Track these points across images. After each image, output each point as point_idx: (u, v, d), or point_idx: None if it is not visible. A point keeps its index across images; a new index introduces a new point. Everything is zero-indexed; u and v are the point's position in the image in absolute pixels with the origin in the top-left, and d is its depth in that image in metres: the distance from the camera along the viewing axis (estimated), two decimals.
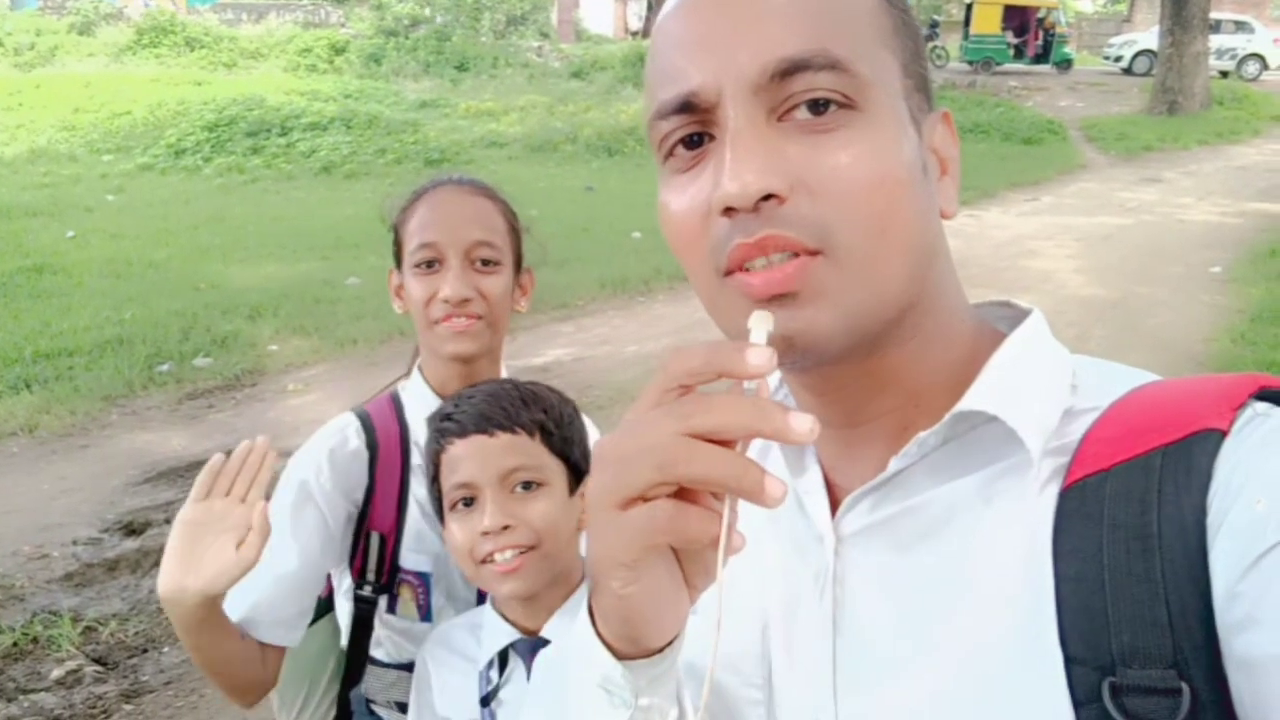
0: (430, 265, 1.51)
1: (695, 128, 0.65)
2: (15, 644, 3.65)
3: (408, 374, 1.67)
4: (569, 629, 1.31)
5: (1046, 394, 0.68)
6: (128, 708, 3.34)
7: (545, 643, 1.35)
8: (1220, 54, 24.54)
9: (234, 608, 1.40)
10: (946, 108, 0.73)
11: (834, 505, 0.75)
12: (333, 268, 9.37)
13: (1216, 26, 23.24)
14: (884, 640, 0.70)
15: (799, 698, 0.75)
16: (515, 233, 1.60)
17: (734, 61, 0.62)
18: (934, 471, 0.69)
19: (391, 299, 1.62)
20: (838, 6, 0.63)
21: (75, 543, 4.42)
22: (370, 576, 1.57)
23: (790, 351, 0.65)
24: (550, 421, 1.38)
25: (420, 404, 1.57)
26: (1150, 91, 21.31)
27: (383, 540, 1.56)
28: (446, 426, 1.36)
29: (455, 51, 23.24)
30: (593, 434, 1.75)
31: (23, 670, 3.53)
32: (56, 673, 3.48)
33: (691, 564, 0.61)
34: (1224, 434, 0.59)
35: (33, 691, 3.40)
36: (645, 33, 29.01)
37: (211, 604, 1.30)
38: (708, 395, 0.55)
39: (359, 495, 1.56)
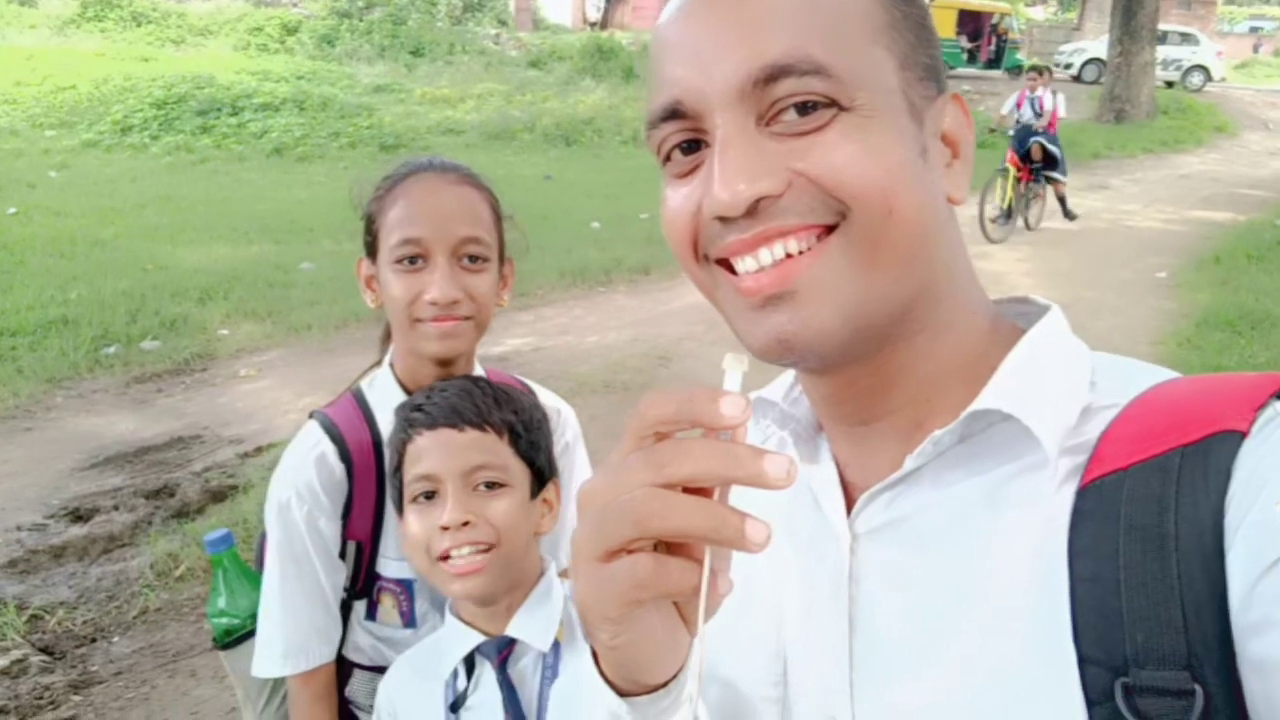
0: (413, 262, 1.42)
1: (689, 134, 0.66)
2: None
3: (378, 363, 1.61)
4: (532, 625, 1.30)
5: (1064, 392, 0.67)
6: (76, 698, 3.25)
7: (511, 642, 1.33)
8: (1166, 65, 25.15)
9: (271, 660, 1.51)
10: (957, 90, 0.72)
11: (849, 503, 0.75)
12: (285, 252, 9.21)
13: (1163, 38, 23.80)
14: (900, 638, 0.70)
15: (815, 695, 0.75)
16: (500, 222, 1.53)
17: (719, 69, 0.63)
18: (949, 469, 0.69)
19: (361, 290, 1.54)
20: (824, 10, 0.63)
21: (19, 528, 4.29)
22: (346, 583, 1.55)
23: (788, 353, 0.65)
24: (520, 424, 1.35)
25: (389, 406, 1.49)
26: (1099, 99, 21.76)
27: (359, 548, 1.53)
28: (415, 417, 1.33)
29: (410, 36, 22.94)
30: (572, 423, 1.72)
31: None
32: (1, 662, 3.38)
33: (687, 605, 0.60)
34: (1244, 435, 0.58)
35: None
36: (604, 24, 28.88)
37: None
38: (682, 443, 0.54)
39: (341, 508, 1.53)
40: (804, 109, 0.62)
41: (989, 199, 10.88)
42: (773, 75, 0.61)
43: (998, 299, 0.78)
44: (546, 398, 1.68)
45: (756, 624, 0.79)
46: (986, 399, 0.66)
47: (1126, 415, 0.64)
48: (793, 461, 0.52)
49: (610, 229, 10.61)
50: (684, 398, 0.54)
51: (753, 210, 0.62)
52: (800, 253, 0.63)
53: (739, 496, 0.55)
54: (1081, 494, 0.62)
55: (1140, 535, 0.58)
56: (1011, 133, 11.38)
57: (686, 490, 0.54)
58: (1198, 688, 0.55)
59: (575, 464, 1.70)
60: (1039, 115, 11.25)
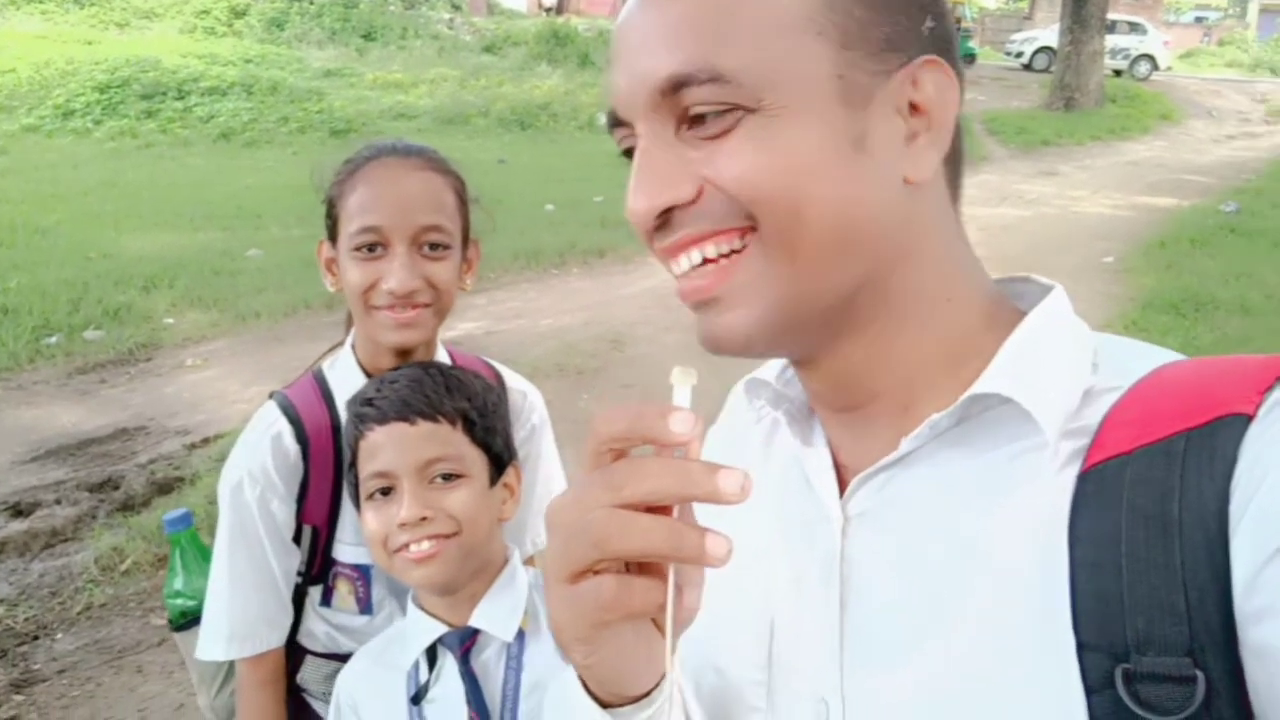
0: (372, 249, 1.39)
1: (634, 139, 0.67)
2: None
3: (341, 343, 1.58)
4: (495, 615, 1.28)
5: (1066, 374, 0.66)
6: (18, 698, 3.17)
7: (475, 632, 1.32)
8: (1114, 54, 25.51)
9: (216, 643, 1.47)
10: (932, 55, 0.65)
11: (842, 485, 0.74)
12: (233, 238, 9.05)
13: (1112, 27, 24.13)
14: (893, 621, 0.69)
15: (804, 677, 0.73)
16: (464, 205, 1.49)
17: (636, 79, 0.64)
18: (945, 452, 0.68)
19: (321, 273, 1.51)
20: (739, 9, 0.61)
21: None
22: (300, 568, 1.51)
23: (721, 351, 0.67)
24: (473, 411, 1.33)
25: (350, 388, 1.46)
26: (1049, 87, 22.04)
27: (315, 533, 1.49)
28: (366, 412, 1.30)
29: (362, 20, 22.64)
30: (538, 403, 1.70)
31: None
32: None
33: (661, 617, 0.59)
34: (1250, 418, 0.57)
35: None
36: (559, 10, 28.69)
37: None
38: (636, 461, 0.55)
39: (296, 491, 1.49)
40: (716, 113, 0.62)
41: None
42: (674, 85, 0.62)
43: (999, 279, 0.76)
44: (513, 380, 1.67)
45: (746, 608, 0.78)
46: (986, 382, 0.64)
47: (1129, 398, 0.63)
48: (747, 475, 0.52)
49: (564, 212, 10.57)
50: (634, 414, 0.54)
51: (666, 219, 0.64)
52: (721, 257, 0.64)
53: None
54: (1083, 478, 0.61)
55: (1144, 520, 0.58)
56: None
57: (651, 508, 0.54)
58: (1200, 674, 0.54)
59: (542, 448, 1.69)
60: None
